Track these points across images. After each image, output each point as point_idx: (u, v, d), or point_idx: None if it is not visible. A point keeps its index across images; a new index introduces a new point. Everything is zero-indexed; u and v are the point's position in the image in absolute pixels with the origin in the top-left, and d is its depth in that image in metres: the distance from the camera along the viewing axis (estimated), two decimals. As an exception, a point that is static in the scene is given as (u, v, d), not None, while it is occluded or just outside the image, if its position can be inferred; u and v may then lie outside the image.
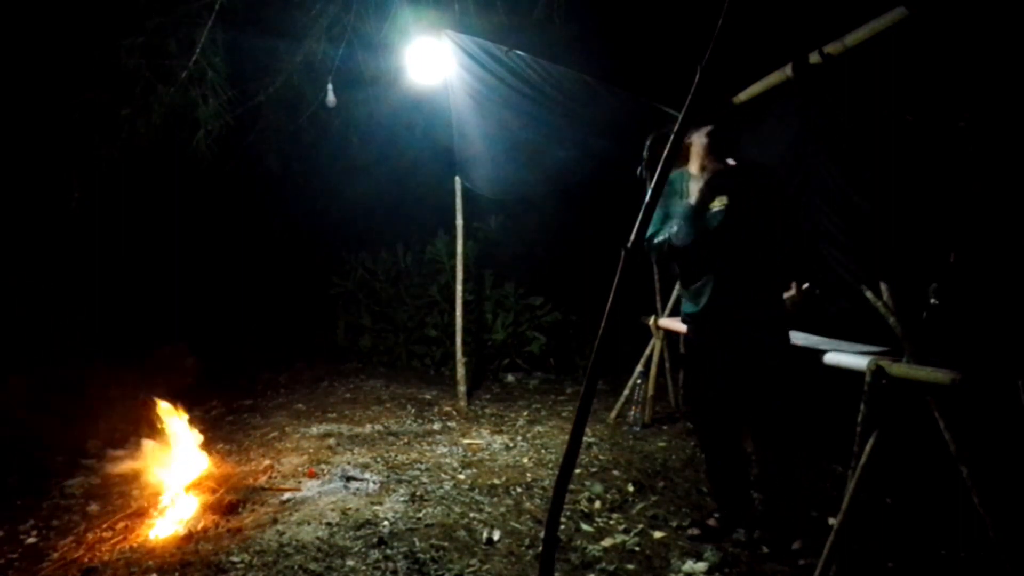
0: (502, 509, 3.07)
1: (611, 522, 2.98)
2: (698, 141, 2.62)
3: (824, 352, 2.61)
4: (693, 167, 2.66)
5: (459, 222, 4.95)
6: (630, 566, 2.59)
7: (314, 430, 4.28)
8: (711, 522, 2.82)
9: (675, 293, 4.71)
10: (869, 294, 2.23)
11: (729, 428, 2.75)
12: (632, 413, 4.52)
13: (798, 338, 2.85)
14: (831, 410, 2.94)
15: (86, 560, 2.66)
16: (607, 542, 2.77)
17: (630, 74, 4.66)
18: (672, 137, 1.64)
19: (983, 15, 2.12)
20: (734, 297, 2.60)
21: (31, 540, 3.01)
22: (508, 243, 6.67)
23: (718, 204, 2.60)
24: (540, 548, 1.90)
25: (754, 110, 3.50)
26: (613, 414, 4.65)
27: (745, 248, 2.57)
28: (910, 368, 2.09)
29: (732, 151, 2.69)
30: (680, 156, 2.64)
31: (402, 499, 3.12)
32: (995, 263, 2.36)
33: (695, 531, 2.81)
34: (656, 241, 2.68)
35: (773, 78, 3.08)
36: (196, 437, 3.71)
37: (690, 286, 2.74)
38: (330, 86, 4.64)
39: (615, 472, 3.57)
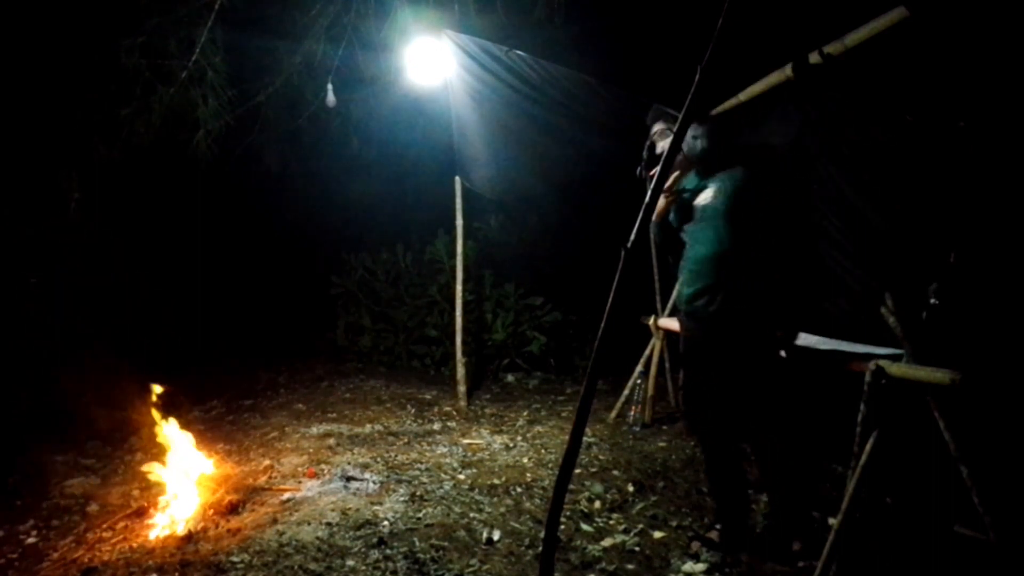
0: (502, 509, 3.07)
1: (611, 522, 2.98)
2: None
3: (824, 351, 2.61)
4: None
5: (459, 222, 4.95)
6: (630, 566, 2.59)
7: (314, 430, 4.28)
8: (712, 535, 2.75)
9: (675, 293, 4.72)
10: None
11: (726, 429, 2.73)
12: (632, 413, 4.52)
13: (798, 338, 2.84)
14: (831, 410, 2.94)
15: (86, 560, 2.66)
16: (607, 542, 2.77)
17: (630, 74, 4.67)
18: (672, 137, 1.65)
19: (983, 15, 2.12)
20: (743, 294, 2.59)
21: (31, 540, 3.02)
22: (508, 243, 6.67)
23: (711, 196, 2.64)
24: (540, 548, 1.90)
25: (754, 110, 3.50)
26: (613, 414, 4.65)
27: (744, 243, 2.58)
28: (910, 368, 2.10)
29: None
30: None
31: (402, 499, 3.12)
32: (995, 263, 2.36)
33: (698, 545, 2.74)
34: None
35: (773, 78, 3.08)
36: (196, 437, 3.71)
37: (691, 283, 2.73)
38: (330, 86, 4.64)
39: (615, 472, 3.57)
